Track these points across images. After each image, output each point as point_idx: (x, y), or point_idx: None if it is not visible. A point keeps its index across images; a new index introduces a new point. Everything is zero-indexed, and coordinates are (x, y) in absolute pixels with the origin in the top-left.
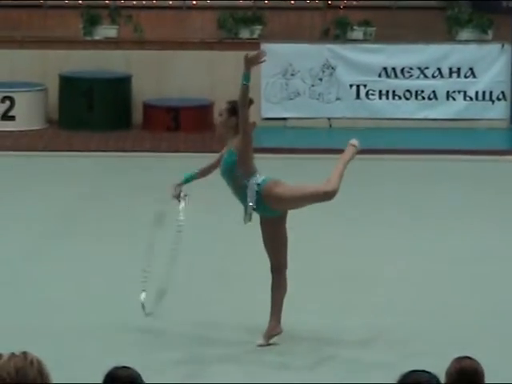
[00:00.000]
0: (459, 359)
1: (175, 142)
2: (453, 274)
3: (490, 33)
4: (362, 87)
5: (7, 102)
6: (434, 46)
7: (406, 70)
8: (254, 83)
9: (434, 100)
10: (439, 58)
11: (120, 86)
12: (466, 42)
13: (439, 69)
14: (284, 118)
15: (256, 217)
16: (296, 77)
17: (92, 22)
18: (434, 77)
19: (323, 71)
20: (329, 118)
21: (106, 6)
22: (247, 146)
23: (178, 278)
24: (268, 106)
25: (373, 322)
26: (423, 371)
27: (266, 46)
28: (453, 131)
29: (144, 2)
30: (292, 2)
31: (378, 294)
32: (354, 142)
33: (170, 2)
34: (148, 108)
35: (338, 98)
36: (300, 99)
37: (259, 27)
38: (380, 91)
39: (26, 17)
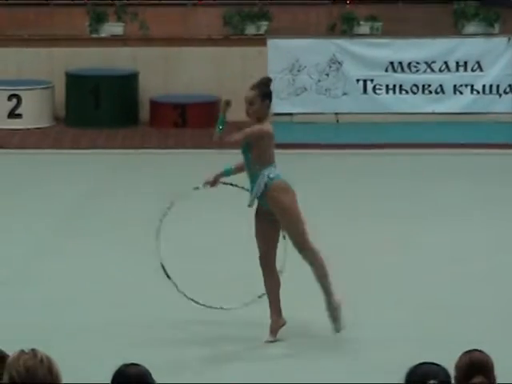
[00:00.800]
0: (468, 352)
1: (182, 138)
2: (464, 267)
3: (497, 26)
4: (368, 82)
5: (14, 100)
6: (441, 39)
7: (412, 64)
8: None
9: (441, 94)
10: (446, 52)
11: (126, 83)
12: (473, 35)
13: (446, 63)
14: (291, 114)
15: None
16: (303, 72)
17: (98, 19)
18: (441, 71)
19: (330, 66)
20: (336, 113)
21: (112, 4)
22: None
23: (186, 279)
24: (275, 102)
25: (387, 318)
26: (432, 363)
27: (272, 42)
28: (460, 125)
29: (150, 0)
30: None
31: (391, 289)
32: None
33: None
34: (155, 105)
35: (344, 93)
36: (307, 94)
37: (265, 23)
38: (387, 86)
39: (32, 15)
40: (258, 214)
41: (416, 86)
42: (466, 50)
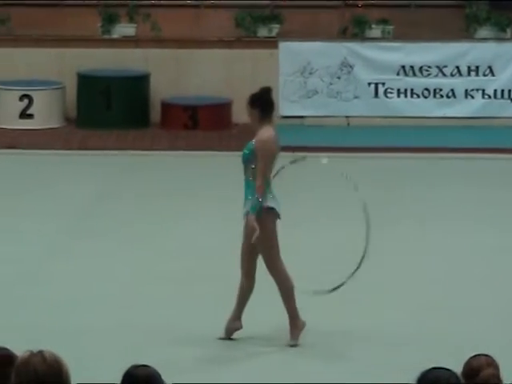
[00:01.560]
0: (475, 357)
1: (193, 140)
2: (479, 271)
3: (509, 31)
4: (380, 85)
5: (25, 101)
6: (453, 44)
7: (424, 68)
8: (273, 81)
9: (452, 98)
10: (457, 56)
11: (138, 84)
12: (485, 40)
13: (457, 67)
14: (302, 117)
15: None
16: (314, 75)
17: (110, 20)
18: (452, 75)
19: (341, 69)
20: (347, 117)
21: (124, 5)
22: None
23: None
24: (286, 105)
25: (388, 318)
26: (443, 368)
27: (284, 44)
28: (471, 129)
29: (162, 1)
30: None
31: (392, 290)
32: None
33: (188, 1)
34: (166, 106)
35: (355, 97)
36: (318, 97)
37: (277, 26)
38: (398, 89)
39: (44, 15)
40: (245, 226)
41: (427, 89)
42: (477, 55)
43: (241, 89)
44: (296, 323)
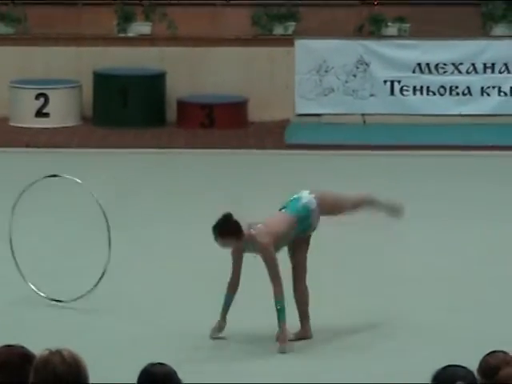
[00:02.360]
0: (491, 354)
1: (210, 138)
2: (494, 268)
3: None
4: (396, 83)
5: (41, 99)
6: (469, 41)
7: (440, 65)
8: (289, 80)
9: (468, 96)
10: (474, 54)
11: (154, 82)
12: (501, 37)
13: (474, 64)
14: (318, 114)
15: None
16: (330, 73)
17: (126, 18)
18: (468, 72)
19: (357, 67)
20: (363, 114)
21: (140, 3)
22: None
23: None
24: (302, 103)
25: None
26: (459, 366)
27: (300, 42)
28: (487, 127)
29: (178, 0)
30: None
31: (423, 288)
32: None
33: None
34: (182, 105)
35: (372, 94)
36: (334, 95)
37: (293, 24)
38: (414, 87)
39: (60, 14)
40: None
41: (443, 87)
42: (493, 52)
43: (257, 87)
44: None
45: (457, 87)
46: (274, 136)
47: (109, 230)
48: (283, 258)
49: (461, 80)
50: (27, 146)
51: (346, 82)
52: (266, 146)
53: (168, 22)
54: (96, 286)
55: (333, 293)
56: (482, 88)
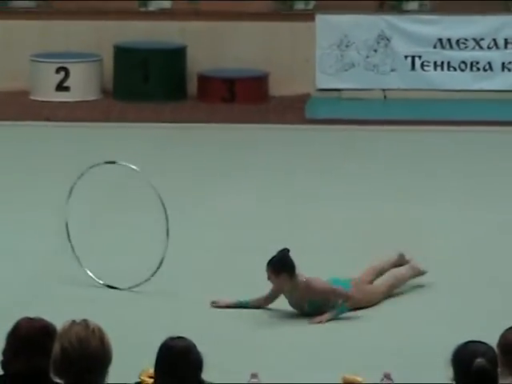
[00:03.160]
0: (511, 329)
1: (230, 113)
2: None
3: None
4: (416, 58)
5: (62, 73)
6: (490, 17)
7: (461, 41)
8: (310, 54)
9: (489, 71)
10: (495, 29)
11: (175, 56)
12: None
13: (495, 40)
14: (339, 90)
15: None
16: (351, 48)
17: None
18: (489, 48)
19: (378, 42)
20: (383, 90)
21: None
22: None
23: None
24: (323, 78)
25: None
26: (480, 342)
27: (321, 17)
28: (508, 102)
29: None
30: None
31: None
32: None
33: None
34: (203, 79)
35: (392, 70)
36: (355, 70)
37: None
38: (435, 62)
39: None
40: None
41: (464, 63)
42: None
43: (278, 62)
44: None
45: (478, 63)
46: (294, 111)
47: (167, 219)
48: None
49: (482, 56)
50: (47, 119)
51: (367, 57)
52: (287, 120)
53: None
54: (153, 275)
55: None
56: (503, 64)
